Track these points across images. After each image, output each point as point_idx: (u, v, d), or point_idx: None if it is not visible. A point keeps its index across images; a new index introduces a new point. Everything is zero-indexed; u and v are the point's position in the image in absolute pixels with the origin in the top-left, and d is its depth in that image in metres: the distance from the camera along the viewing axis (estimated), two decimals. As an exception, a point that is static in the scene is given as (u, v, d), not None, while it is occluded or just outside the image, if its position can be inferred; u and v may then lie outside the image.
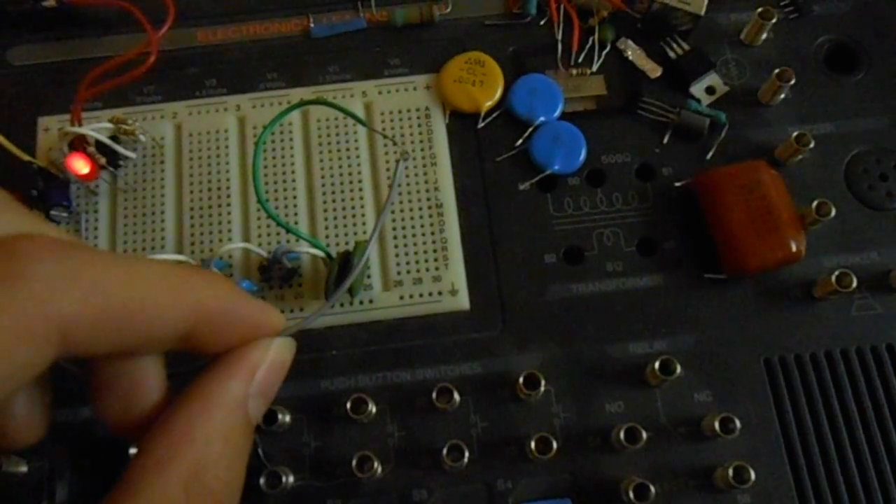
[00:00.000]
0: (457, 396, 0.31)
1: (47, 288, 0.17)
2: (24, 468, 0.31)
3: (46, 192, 0.34)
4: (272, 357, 0.22)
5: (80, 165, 0.33)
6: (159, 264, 0.21)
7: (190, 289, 0.20)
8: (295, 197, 0.36)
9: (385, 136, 0.36)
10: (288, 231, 0.31)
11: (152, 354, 0.21)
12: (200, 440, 0.20)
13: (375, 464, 0.30)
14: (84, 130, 0.34)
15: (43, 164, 0.34)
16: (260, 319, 0.22)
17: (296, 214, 0.35)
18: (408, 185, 0.36)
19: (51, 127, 0.37)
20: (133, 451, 0.31)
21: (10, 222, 0.19)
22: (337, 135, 0.37)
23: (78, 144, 0.34)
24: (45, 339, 0.17)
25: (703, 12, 0.37)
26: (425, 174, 0.36)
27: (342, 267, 0.32)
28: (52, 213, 0.34)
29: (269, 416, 0.31)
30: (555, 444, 0.30)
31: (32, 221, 0.20)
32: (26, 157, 0.34)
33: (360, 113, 0.37)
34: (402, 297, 0.34)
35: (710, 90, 0.38)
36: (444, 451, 0.30)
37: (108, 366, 0.21)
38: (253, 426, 0.22)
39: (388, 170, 0.36)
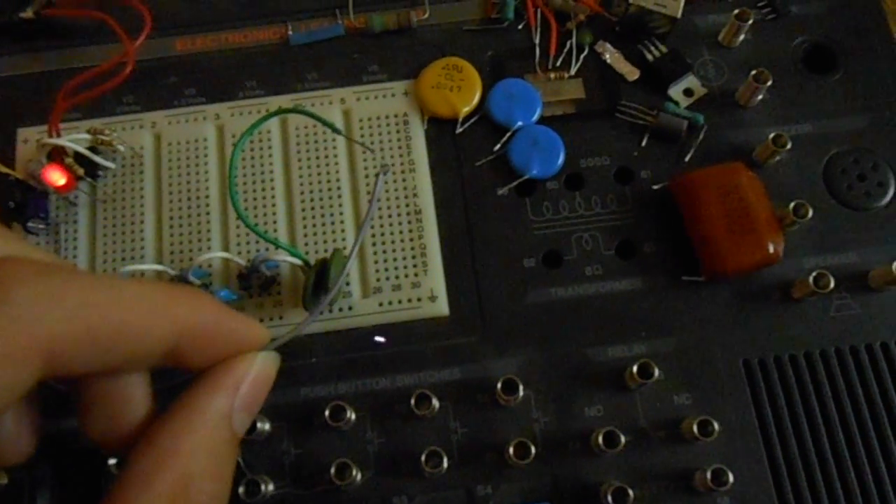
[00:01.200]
0: (436, 402, 0.31)
1: (31, 310, 0.18)
2: (4, 480, 0.32)
3: (24, 203, 0.34)
4: (256, 371, 0.22)
5: (55, 177, 0.33)
6: (141, 284, 0.21)
7: (173, 307, 0.21)
8: (274, 205, 0.36)
9: (366, 147, 0.36)
10: (261, 238, 0.31)
11: (137, 371, 0.22)
12: (185, 454, 0.20)
13: (355, 471, 0.30)
14: (62, 141, 0.34)
15: (21, 176, 0.35)
16: (244, 334, 0.22)
17: (275, 222, 0.35)
18: (386, 191, 0.36)
19: (30, 138, 0.37)
20: (112, 462, 0.31)
21: None
22: (316, 142, 0.37)
23: (56, 155, 0.34)
24: (30, 361, 0.18)
25: (679, 15, 0.37)
26: (404, 180, 0.36)
27: (319, 274, 0.32)
28: (30, 224, 0.34)
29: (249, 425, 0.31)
30: (534, 449, 0.30)
31: (16, 244, 0.21)
32: (3, 169, 0.34)
33: (339, 120, 0.37)
34: (381, 304, 0.34)
35: (688, 92, 0.38)
36: (424, 457, 0.30)
37: (93, 383, 0.21)
38: (238, 440, 0.22)
39: (367, 177, 0.36)
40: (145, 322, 0.20)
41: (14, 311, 0.17)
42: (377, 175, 0.30)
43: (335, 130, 0.31)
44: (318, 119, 0.31)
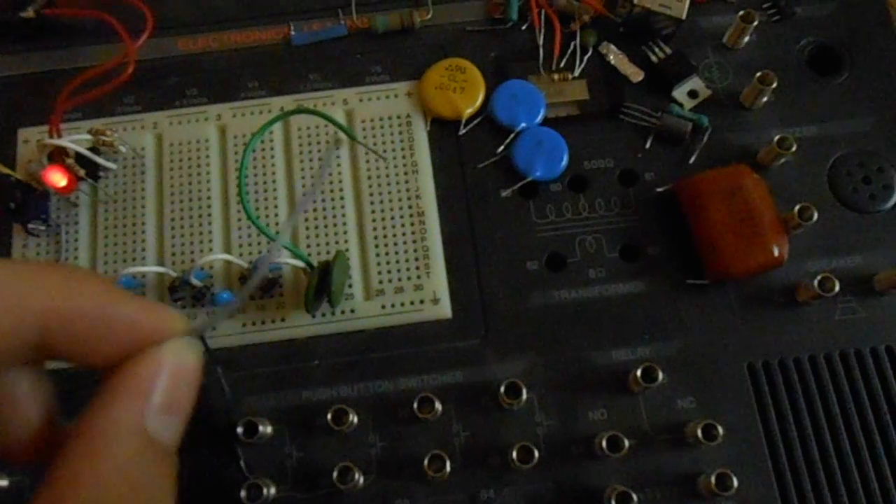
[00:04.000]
0: (439, 406, 0.31)
1: None
2: (5, 482, 0.31)
3: (25, 205, 0.34)
4: (169, 365, 0.19)
5: (56, 178, 0.33)
6: None
7: (30, 291, 0.18)
8: (276, 206, 0.36)
9: (378, 155, 0.36)
10: (270, 240, 0.31)
11: (7, 369, 0.19)
12: (91, 483, 0.17)
13: (357, 475, 0.30)
14: (62, 142, 0.34)
15: (22, 177, 0.34)
16: (145, 322, 0.19)
17: (277, 224, 0.35)
18: (389, 192, 0.36)
19: (31, 138, 0.37)
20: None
21: None
22: (318, 143, 0.36)
23: (57, 156, 0.34)
24: None
25: (684, 16, 0.37)
26: (406, 182, 0.36)
27: (322, 276, 0.32)
28: (30, 226, 0.34)
29: (250, 428, 0.31)
30: (537, 453, 0.30)
31: None
32: (4, 170, 0.34)
33: (341, 121, 0.37)
34: (383, 307, 0.34)
35: (692, 94, 0.37)
36: (427, 461, 0.30)
37: None
38: (167, 447, 0.19)
39: (369, 178, 0.36)
40: None
41: None
42: (328, 148, 0.28)
43: (349, 135, 0.31)
44: (332, 121, 0.30)
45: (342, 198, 0.36)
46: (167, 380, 0.18)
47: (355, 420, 0.32)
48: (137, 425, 0.18)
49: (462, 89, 0.37)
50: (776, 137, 0.35)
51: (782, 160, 0.35)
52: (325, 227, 0.35)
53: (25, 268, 0.18)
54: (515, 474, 0.31)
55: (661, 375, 0.31)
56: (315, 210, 0.35)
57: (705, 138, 0.36)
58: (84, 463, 0.17)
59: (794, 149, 0.34)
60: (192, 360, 0.19)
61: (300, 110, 0.33)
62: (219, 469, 0.31)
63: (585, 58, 0.38)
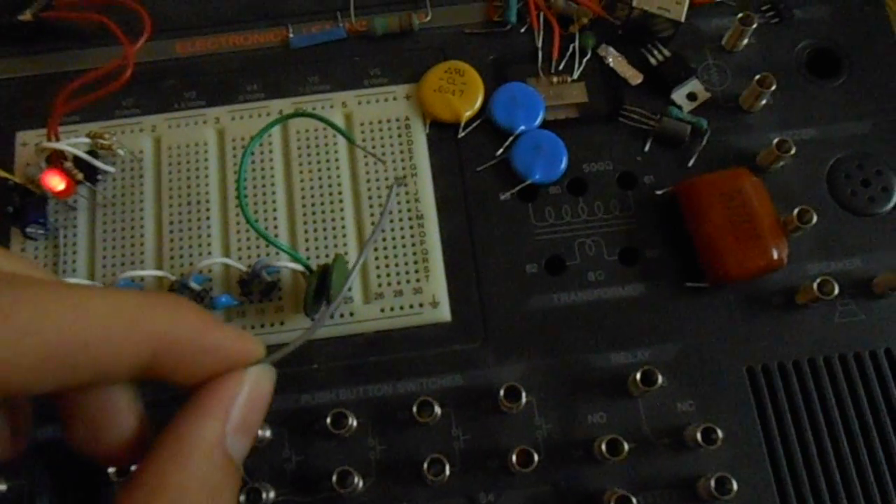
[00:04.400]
0: (438, 409, 0.31)
1: None
2: (3, 486, 0.31)
3: (23, 209, 0.33)
4: (249, 389, 0.21)
5: (55, 182, 0.33)
6: (113, 292, 0.20)
7: (146, 319, 0.19)
8: (275, 210, 0.35)
9: (378, 159, 0.35)
10: (270, 244, 0.31)
11: (113, 385, 0.21)
12: (174, 489, 0.19)
13: (357, 478, 0.30)
14: (61, 145, 0.34)
15: (20, 181, 0.34)
16: (232, 348, 0.21)
17: (275, 227, 0.35)
18: (390, 187, 0.35)
19: (29, 142, 0.37)
20: (112, 469, 0.31)
21: None
22: (317, 146, 0.36)
23: (55, 159, 0.34)
24: None
25: (683, 19, 0.37)
26: (406, 185, 0.36)
27: (321, 280, 0.32)
28: (28, 230, 0.34)
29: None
30: (536, 457, 0.30)
31: None
32: (3, 174, 0.34)
33: (340, 124, 0.37)
34: (382, 310, 0.34)
35: (691, 97, 0.37)
36: (426, 464, 0.30)
37: (69, 396, 0.21)
38: (237, 464, 0.21)
39: (368, 181, 0.36)
40: (111, 337, 0.18)
41: None
42: (390, 188, 0.29)
43: (348, 139, 0.31)
44: (331, 125, 0.30)
45: (341, 201, 0.35)
46: (246, 402, 0.21)
47: (354, 424, 0.32)
48: (220, 440, 0.20)
49: (461, 92, 0.37)
50: (775, 140, 0.35)
51: (781, 163, 0.35)
52: (324, 230, 0.35)
53: (141, 297, 0.20)
54: (515, 478, 0.31)
55: (660, 379, 0.31)
56: (314, 213, 0.35)
57: (704, 141, 0.36)
58: (172, 468, 0.19)
59: (793, 152, 0.34)
60: (268, 386, 0.22)
61: (299, 114, 0.33)
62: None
63: (584, 60, 0.38)
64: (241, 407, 0.20)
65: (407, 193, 0.36)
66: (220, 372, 0.21)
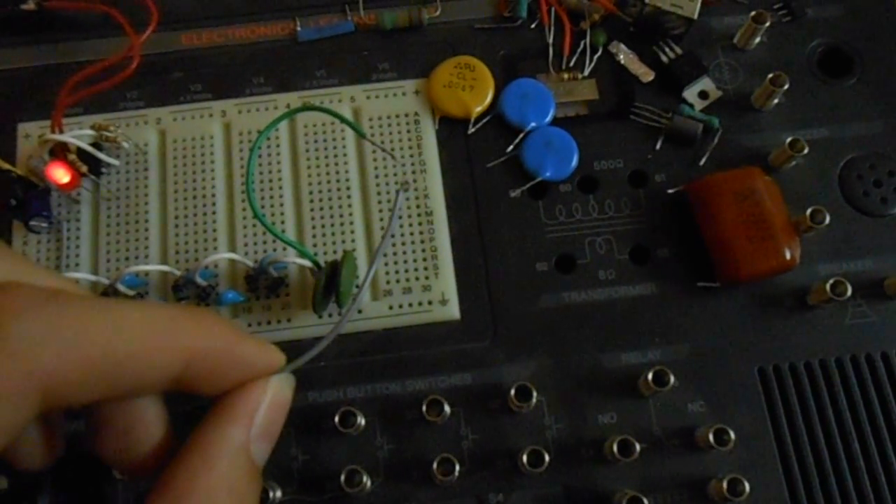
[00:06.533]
0: (447, 408, 0.31)
1: (26, 345, 0.17)
2: (4, 485, 0.31)
3: (26, 201, 0.33)
4: (271, 397, 0.22)
5: (59, 174, 0.32)
6: (148, 307, 0.20)
7: (179, 332, 0.20)
8: (282, 205, 0.35)
9: (390, 154, 0.35)
10: (277, 239, 0.31)
11: (145, 397, 0.21)
12: (203, 493, 0.20)
13: (365, 478, 0.30)
14: (65, 138, 0.33)
15: (23, 173, 0.34)
16: (256, 359, 0.22)
17: (283, 223, 0.35)
18: (396, 192, 0.35)
19: (31, 133, 0.36)
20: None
21: None
22: (325, 140, 0.36)
23: (59, 152, 0.33)
24: (25, 398, 0.17)
25: (695, 16, 0.36)
26: (414, 181, 0.35)
27: (330, 277, 0.31)
28: (32, 223, 0.33)
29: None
30: (547, 457, 0.30)
31: (18, 267, 0.20)
32: (5, 166, 0.33)
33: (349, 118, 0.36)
34: (391, 307, 0.33)
35: (703, 95, 0.37)
36: (435, 464, 0.30)
37: (101, 407, 0.21)
38: (259, 470, 0.21)
39: (377, 177, 0.35)
40: (148, 351, 0.19)
41: (10, 347, 0.17)
42: (397, 191, 0.29)
43: (359, 132, 0.30)
44: (341, 118, 0.30)
45: (349, 196, 0.35)
46: (268, 410, 0.21)
47: (363, 422, 0.31)
48: (245, 446, 0.21)
49: (471, 88, 0.36)
50: (788, 140, 0.34)
51: (793, 163, 0.35)
52: (333, 226, 0.35)
53: (174, 310, 0.21)
54: (525, 478, 0.31)
55: (672, 379, 0.31)
56: (321, 208, 0.35)
57: (716, 140, 0.36)
58: (201, 473, 0.20)
59: (805, 151, 0.34)
60: (289, 394, 0.23)
61: (307, 108, 0.32)
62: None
63: (595, 57, 0.38)
64: (264, 414, 0.21)
65: (416, 190, 0.35)
66: (244, 381, 0.21)
